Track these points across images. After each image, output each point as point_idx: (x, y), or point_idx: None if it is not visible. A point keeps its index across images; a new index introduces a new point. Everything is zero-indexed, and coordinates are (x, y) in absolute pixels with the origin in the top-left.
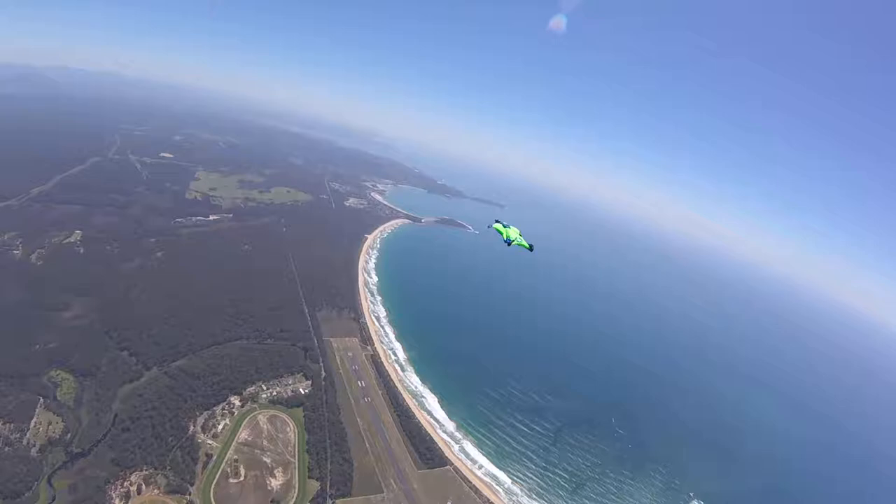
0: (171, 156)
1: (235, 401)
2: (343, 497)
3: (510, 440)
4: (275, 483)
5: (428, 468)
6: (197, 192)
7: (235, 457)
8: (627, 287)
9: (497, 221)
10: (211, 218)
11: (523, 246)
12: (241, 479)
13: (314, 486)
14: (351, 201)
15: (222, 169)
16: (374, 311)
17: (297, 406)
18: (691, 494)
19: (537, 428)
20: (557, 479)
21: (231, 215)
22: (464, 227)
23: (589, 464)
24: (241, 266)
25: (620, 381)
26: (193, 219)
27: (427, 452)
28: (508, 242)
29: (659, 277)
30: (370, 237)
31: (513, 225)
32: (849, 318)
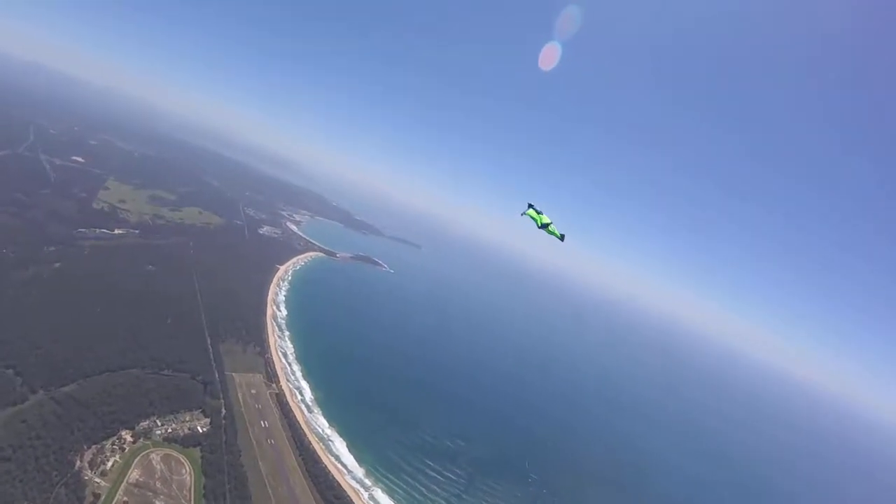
0: (83, 160)
1: (127, 436)
2: None
3: (422, 487)
4: None
5: None
6: (105, 202)
7: (125, 499)
8: (538, 332)
9: (530, 206)
10: (116, 232)
11: (554, 235)
12: None
13: None
14: (265, 229)
15: (134, 181)
16: (282, 346)
17: (195, 446)
18: None
19: (450, 475)
20: None
21: (138, 231)
22: (379, 265)
23: None
24: (142, 287)
25: (532, 426)
26: (98, 230)
27: (335, 500)
28: (543, 226)
29: (569, 325)
30: (282, 268)
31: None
32: (733, 356)
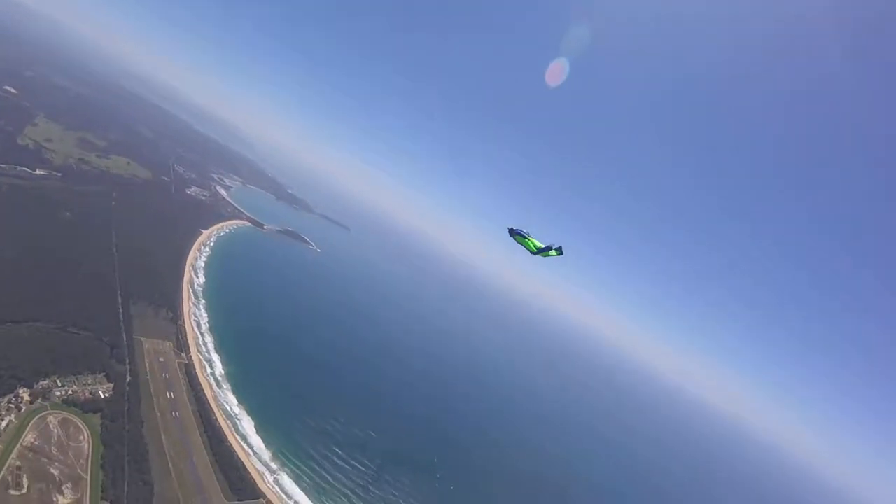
0: (15, 92)
1: (25, 395)
2: None
3: (328, 476)
4: (63, 501)
5: (238, 499)
6: (31, 139)
7: (19, 463)
8: (460, 331)
9: (515, 233)
10: (37, 172)
11: (551, 254)
12: (24, 491)
13: None
14: (193, 190)
15: (65, 121)
16: (196, 315)
17: (95, 412)
18: None
19: (357, 465)
20: None
21: (60, 175)
22: (307, 243)
23: None
24: (57, 235)
25: (444, 423)
26: (18, 168)
27: (238, 482)
28: (539, 251)
29: (490, 326)
30: (206, 233)
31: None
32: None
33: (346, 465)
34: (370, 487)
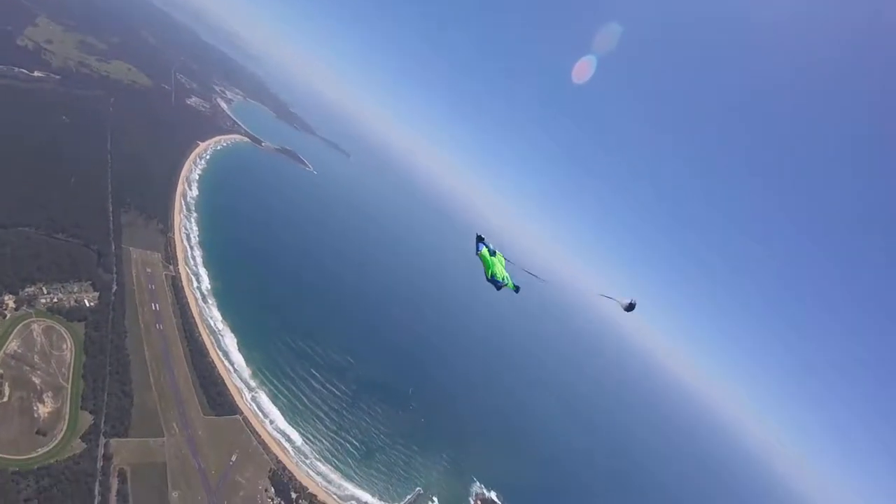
0: None
1: (10, 301)
2: (118, 437)
3: (304, 397)
4: (43, 410)
5: (216, 415)
6: (31, 40)
7: (1, 371)
8: (454, 272)
9: (481, 241)
10: (35, 74)
11: (509, 287)
12: (5, 399)
13: (87, 419)
14: (194, 100)
15: (67, 22)
16: (186, 227)
17: (79, 320)
18: (474, 477)
19: (334, 389)
20: (348, 445)
21: (59, 77)
22: (305, 164)
23: (380, 433)
24: (51, 139)
25: (422, 359)
26: (15, 69)
27: (217, 397)
28: (496, 284)
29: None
30: (203, 146)
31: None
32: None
33: (322, 389)
34: (344, 412)
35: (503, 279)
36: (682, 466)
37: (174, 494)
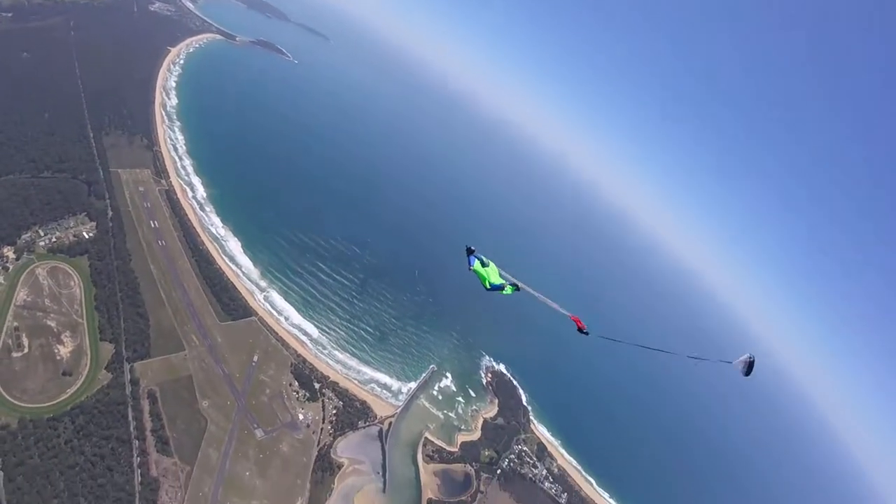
0: None
1: (9, 253)
2: (141, 359)
3: (315, 291)
4: (64, 351)
5: (231, 320)
6: None
7: (16, 324)
8: (443, 149)
9: (471, 254)
10: None
11: (507, 292)
12: (26, 349)
13: (108, 349)
14: (157, 6)
15: None
16: (172, 138)
17: (82, 254)
18: (483, 352)
19: (342, 279)
20: (362, 331)
21: (10, 15)
22: (283, 54)
23: (391, 317)
24: (16, 79)
25: (424, 242)
26: None
27: (230, 303)
28: (495, 288)
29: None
30: (174, 51)
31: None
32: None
33: (330, 280)
34: (354, 300)
35: (501, 284)
36: (679, 339)
37: (204, 404)
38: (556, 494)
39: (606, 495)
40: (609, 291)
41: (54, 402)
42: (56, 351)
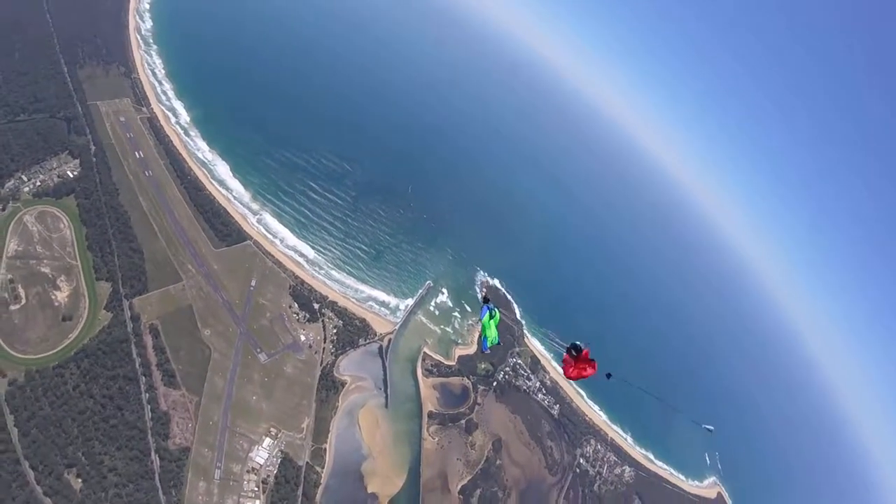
0: None
1: None
2: (139, 294)
3: (308, 211)
4: (61, 296)
5: (226, 245)
6: None
7: (10, 276)
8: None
9: (486, 303)
10: None
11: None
12: (23, 301)
13: (105, 288)
14: None
15: None
16: (150, 63)
17: (68, 194)
18: (478, 267)
19: (335, 198)
20: (357, 250)
21: None
22: None
23: (386, 234)
24: None
25: (416, 156)
26: None
27: (223, 228)
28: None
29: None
30: None
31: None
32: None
33: (323, 200)
34: (348, 219)
35: (492, 340)
36: (672, 253)
37: (206, 332)
38: (548, 405)
39: (596, 407)
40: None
41: (58, 349)
42: (53, 297)
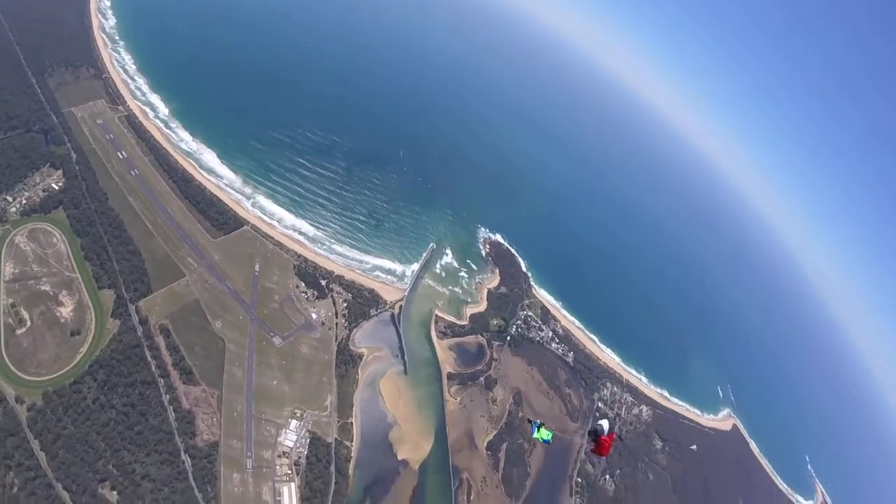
0: None
1: None
2: (144, 297)
3: (301, 188)
4: (66, 312)
5: (224, 234)
6: None
7: (10, 300)
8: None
9: (531, 423)
10: None
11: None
12: (29, 323)
13: (108, 296)
14: None
15: None
16: (119, 60)
17: (56, 207)
18: (478, 224)
19: (326, 172)
20: (356, 221)
21: None
22: None
23: (382, 202)
24: None
25: (402, 121)
26: None
27: (219, 217)
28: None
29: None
30: None
31: None
32: None
33: (315, 175)
34: (343, 191)
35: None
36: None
37: (217, 324)
38: (563, 354)
39: (609, 351)
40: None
41: (71, 365)
42: (58, 314)
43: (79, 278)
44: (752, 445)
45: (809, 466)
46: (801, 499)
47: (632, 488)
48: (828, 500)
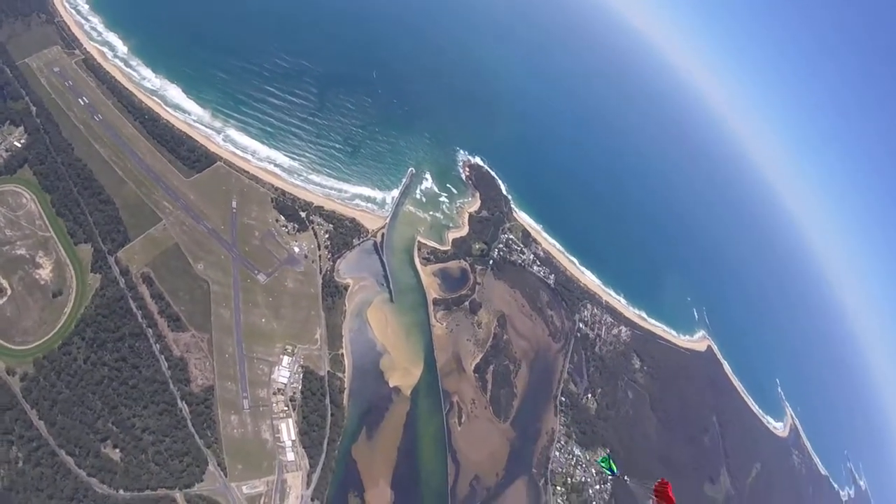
0: None
1: None
2: (122, 247)
3: (272, 118)
4: (45, 273)
5: (197, 172)
6: None
7: None
8: None
9: (610, 462)
10: None
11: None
12: (9, 292)
13: (86, 250)
14: None
15: None
16: (71, 2)
17: (21, 166)
18: (457, 147)
19: (297, 99)
20: (332, 149)
21: None
22: None
23: (358, 127)
24: None
25: (372, 39)
26: None
27: (190, 155)
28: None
29: None
30: None
31: None
32: None
33: (286, 104)
34: (316, 118)
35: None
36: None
37: (199, 267)
38: (544, 276)
39: (588, 273)
40: None
41: (57, 327)
42: (37, 277)
43: (54, 237)
44: (726, 366)
45: (780, 389)
46: (771, 420)
47: (613, 406)
48: (797, 423)
